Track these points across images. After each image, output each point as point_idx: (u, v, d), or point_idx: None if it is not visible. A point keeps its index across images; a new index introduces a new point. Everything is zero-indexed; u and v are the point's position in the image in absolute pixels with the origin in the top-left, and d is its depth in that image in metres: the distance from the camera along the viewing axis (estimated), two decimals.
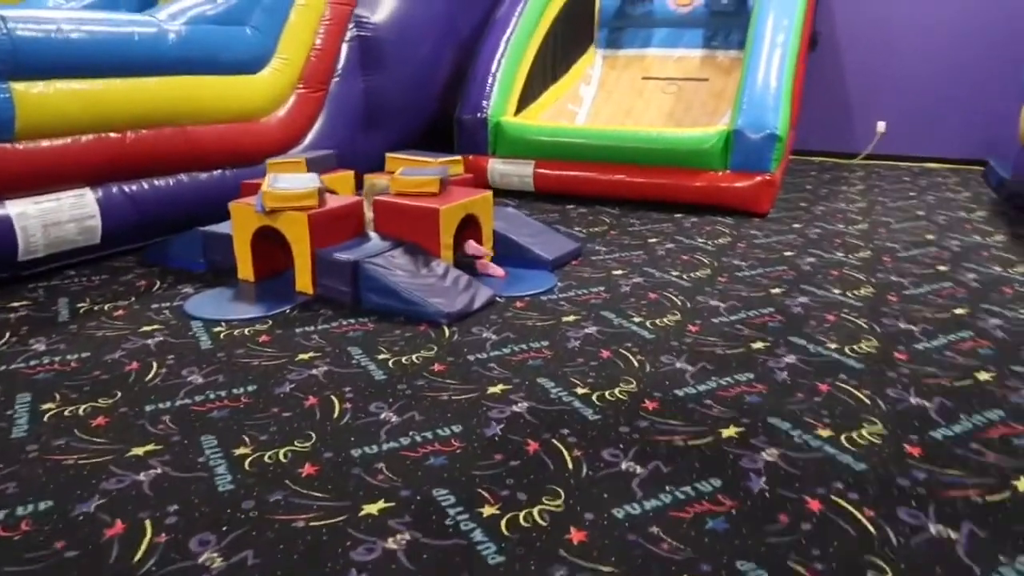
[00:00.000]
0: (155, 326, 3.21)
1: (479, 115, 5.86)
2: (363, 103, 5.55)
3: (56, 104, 3.67)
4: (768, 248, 4.46)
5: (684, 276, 3.91)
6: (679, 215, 5.25)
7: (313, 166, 4.28)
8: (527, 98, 6.40)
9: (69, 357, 2.89)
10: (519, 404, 2.50)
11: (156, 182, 4.27)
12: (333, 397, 2.57)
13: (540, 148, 5.71)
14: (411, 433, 2.32)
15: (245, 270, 3.75)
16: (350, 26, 5.46)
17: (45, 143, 3.69)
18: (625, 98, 7.11)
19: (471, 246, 3.82)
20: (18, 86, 3.52)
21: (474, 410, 2.47)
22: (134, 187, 4.15)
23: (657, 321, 3.27)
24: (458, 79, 6.23)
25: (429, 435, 2.31)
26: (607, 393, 2.58)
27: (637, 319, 3.30)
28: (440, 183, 3.79)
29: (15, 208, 3.61)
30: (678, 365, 2.82)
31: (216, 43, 4.43)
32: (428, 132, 6.18)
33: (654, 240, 4.61)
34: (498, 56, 6.12)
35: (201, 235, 3.89)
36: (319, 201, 3.54)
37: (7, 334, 3.13)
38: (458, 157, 4.42)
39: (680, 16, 7.47)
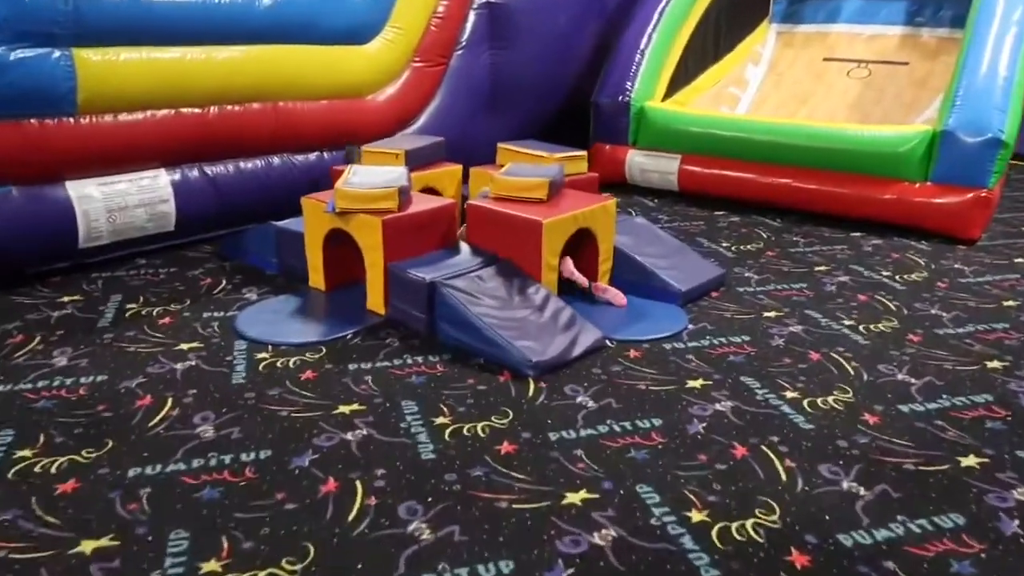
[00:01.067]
0: (195, 343, 2.71)
1: (620, 99, 5.03)
2: (488, 80, 4.88)
3: (125, 74, 3.24)
4: (980, 293, 3.38)
5: (860, 328, 2.96)
6: (857, 234, 4.22)
7: (415, 157, 3.65)
8: (680, 80, 5.49)
9: (83, 380, 2.44)
10: (605, 533, 1.76)
11: (242, 164, 3.81)
12: (358, 484, 1.94)
13: (689, 140, 4.82)
14: None
15: (316, 277, 3.20)
16: None
17: (112, 118, 3.28)
18: (800, 83, 6.01)
19: (567, 267, 3.07)
20: (82, 53, 3.11)
21: (536, 540, 1.75)
22: (216, 169, 3.71)
23: (820, 401, 2.39)
24: (599, 56, 5.41)
25: None
26: (734, 528, 1.79)
27: (791, 395, 2.43)
28: (550, 186, 3.06)
29: (76, 190, 3.23)
30: (844, 496, 1.96)
31: (317, 8, 3.88)
32: (560, 118, 5.43)
33: (823, 268, 3.65)
34: (649, 30, 5.24)
35: (274, 232, 3.38)
36: (399, 203, 2.91)
37: (38, 338, 2.74)
38: (581, 152, 3.66)
39: None
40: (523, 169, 3.27)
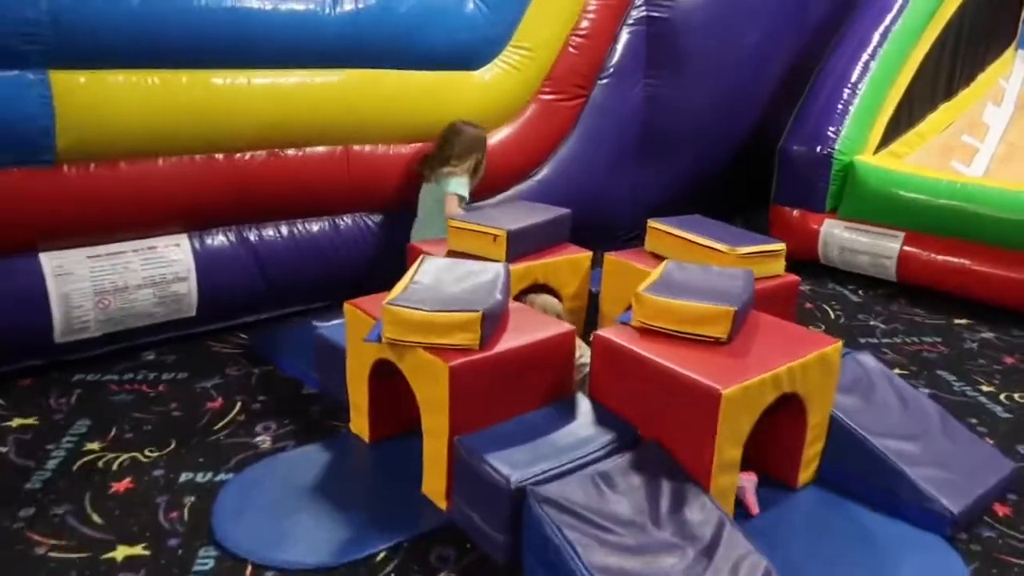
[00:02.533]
0: (138, 549, 1.70)
1: (820, 149, 3.70)
2: (639, 120, 3.70)
3: (124, 105, 2.31)
4: None
5: None
6: None
7: (522, 241, 2.47)
8: (900, 124, 4.08)
9: None
10: None
11: (297, 227, 2.83)
12: None
13: (915, 212, 3.44)
14: None
15: (359, 420, 2.13)
16: (637, 3, 3.62)
17: (104, 166, 2.36)
18: None
19: (745, 491, 1.85)
20: (62, 77, 2.20)
21: None
22: (261, 234, 2.75)
23: None
24: (791, 93, 4.09)
25: None
26: None
27: None
28: (733, 318, 1.84)
29: (53, 264, 2.33)
30: None
31: (413, 19, 2.84)
32: (729, 173, 4.16)
33: None
34: (865, 56, 3.88)
35: (313, 339, 2.34)
36: (481, 335, 1.77)
37: None
38: (779, 246, 2.39)
39: None
40: (688, 277, 2.06)
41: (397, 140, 2.98)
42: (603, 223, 3.74)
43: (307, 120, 2.69)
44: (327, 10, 2.62)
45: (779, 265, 2.40)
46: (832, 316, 3.25)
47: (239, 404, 2.33)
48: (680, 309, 1.86)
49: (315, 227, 2.87)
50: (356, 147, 2.88)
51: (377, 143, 2.93)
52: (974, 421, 2.36)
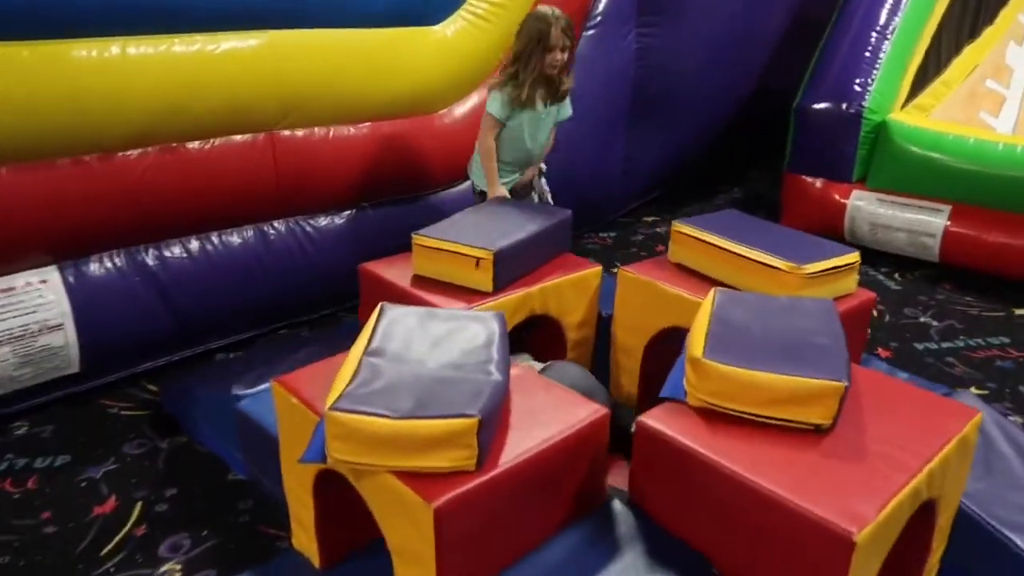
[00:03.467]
0: None
1: (845, 106, 3.11)
2: (632, 77, 3.07)
3: None
4: None
5: None
6: None
7: (513, 263, 1.83)
8: (929, 73, 3.51)
9: None
10: None
11: (211, 242, 2.17)
12: None
13: (963, 181, 2.90)
14: None
15: (303, 538, 1.52)
16: None
17: None
18: None
19: None
20: None
21: None
22: (162, 255, 2.08)
23: None
24: (806, 41, 3.48)
25: None
26: None
27: None
28: (841, 397, 1.26)
29: None
30: None
31: None
32: (729, 136, 3.58)
33: None
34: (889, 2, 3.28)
35: (235, 415, 1.70)
36: (478, 452, 1.17)
37: None
38: (851, 256, 1.81)
39: None
40: (752, 319, 1.47)
41: (339, 120, 2.31)
42: (592, 205, 3.14)
43: (213, 102, 2.01)
44: None
45: (852, 281, 1.83)
46: (874, 313, 2.72)
47: (138, 507, 1.70)
48: (768, 385, 1.28)
49: (236, 239, 2.21)
50: (284, 132, 2.20)
51: (312, 125, 2.25)
52: None
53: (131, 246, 2.03)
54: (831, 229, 3.17)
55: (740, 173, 3.98)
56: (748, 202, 3.75)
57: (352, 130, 2.34)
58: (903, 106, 3.33)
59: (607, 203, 3.25)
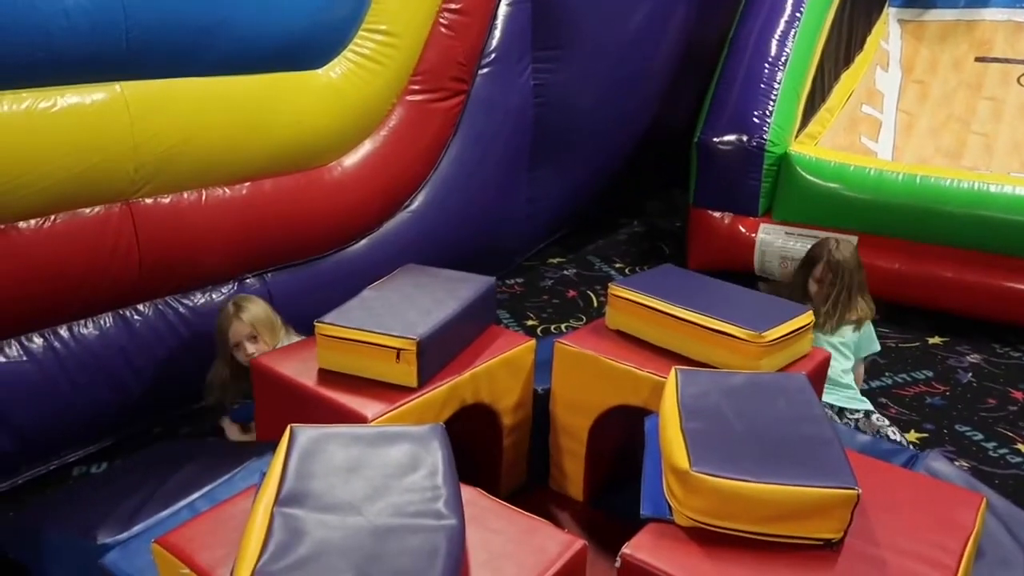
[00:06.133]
0: None
1: (747, 140, 3.05)
2: (530, 114, 2.88)
3: None
4: None
5: None
6: None
7: (438, 349, 1.52)
8: (816, 100, 3.53)
9: None
10: None
11: (59, 336, 1.78)
12: None
13: (863, 211, 2.89)
14: None
15: None
16: None
17: None
18: (953, 98, 4.09)
19: None
20: None
21: None
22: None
23: None
24: (698, 69, 3.42)
25: None
26: None
27: None
28: (852, 509, 1.09)
29: None
30: None
31: (216, 8, 1.82)
32: (629, 168, 3.47)
33: None
34: (779, 29, 3.27)
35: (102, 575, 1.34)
36: None
37: None
38: (806, 318, 1.65)
39: None
40: (729, 406, 1.27)
41: (211, 181, 1.97)
42: (497, 250, 2.93)
43: (51, 169, 1.63)
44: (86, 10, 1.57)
45: (807, 342, 1.68)
46: None
47: None
48: (771, 499, 1.08)
49: (90, 331, 1.82)
50: (145, 201, 1.84)
51: (178, 190, 1.90)
52: None
53: None
54: (741, 263, 3.10)
55: (639, 206, 3.88)
56: (651, 236, 3.65)
57: (228, 192, 2.00)
58: (796, 136, 3.32)
59: (513, 248, 3.05)
